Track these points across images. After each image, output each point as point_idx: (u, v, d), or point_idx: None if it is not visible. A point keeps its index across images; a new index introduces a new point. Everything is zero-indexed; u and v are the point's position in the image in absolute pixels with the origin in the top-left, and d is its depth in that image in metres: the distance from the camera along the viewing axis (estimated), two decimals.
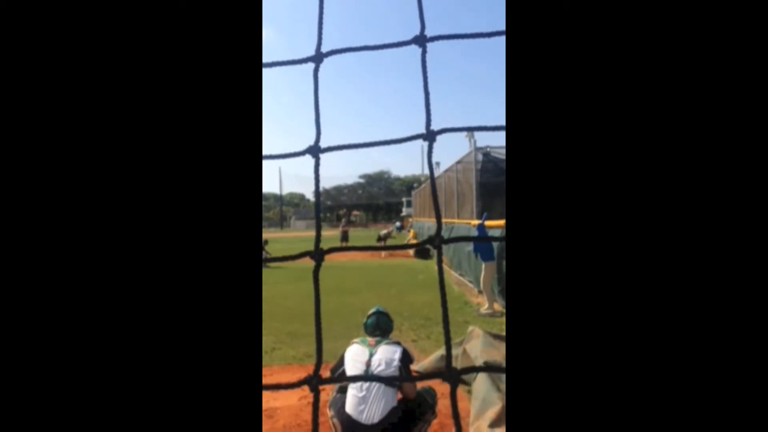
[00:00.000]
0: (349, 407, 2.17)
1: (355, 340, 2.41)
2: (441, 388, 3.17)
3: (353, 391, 2.19)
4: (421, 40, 0.74)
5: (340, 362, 2.34)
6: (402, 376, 2.23)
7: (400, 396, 2.24)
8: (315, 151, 0.78)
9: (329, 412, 2.34)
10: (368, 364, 2.22)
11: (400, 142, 0.79)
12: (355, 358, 2.28)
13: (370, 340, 2.35)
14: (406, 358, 2.27)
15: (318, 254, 0.72)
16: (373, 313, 2.52)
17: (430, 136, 0.74)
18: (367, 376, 2.18)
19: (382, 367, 2.19)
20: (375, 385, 2.16)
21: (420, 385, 2.43)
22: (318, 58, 0.77)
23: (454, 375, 0.65)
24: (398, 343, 2.34)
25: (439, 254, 0.72)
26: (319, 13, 0.79)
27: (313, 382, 0.69)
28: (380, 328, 2.44)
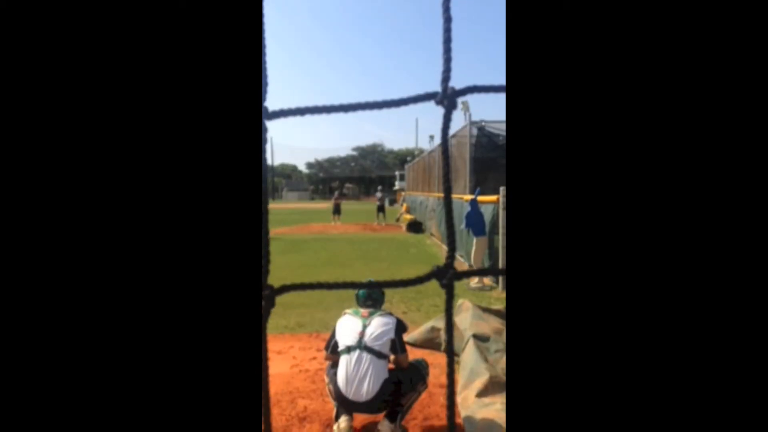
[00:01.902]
0: (341, 383, 2.16)
1: (347, 311, 2.38)
2: (430, 358, 3.24)
3: (344, 367, 2.16)
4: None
5: (333, 334, 2.31)
6: (396, 348, 2.21)
7: (391, 366, 2.26)
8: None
9: (326, 379, 2.37)
10: (362, 335, 2.19)
11: (403, 104, 0.55)
12: (347, 328, 2.25)
13: (363, 311, 2.32)
14: (400, 329, 2.26)
15: (269, 296, 0.49)
16: (365, 283, 2.47)
17: (448, 98, 0.48)
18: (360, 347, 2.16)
19: (375, 339, 2.17)
20: (366, 360, 2.14)
21: (412, 356, 2.45)
22: None
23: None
24: (391, 314, 2.32)
25: (450, 295, 0.51)
26: None
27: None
28: (372, 299, 2.40)
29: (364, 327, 2.22)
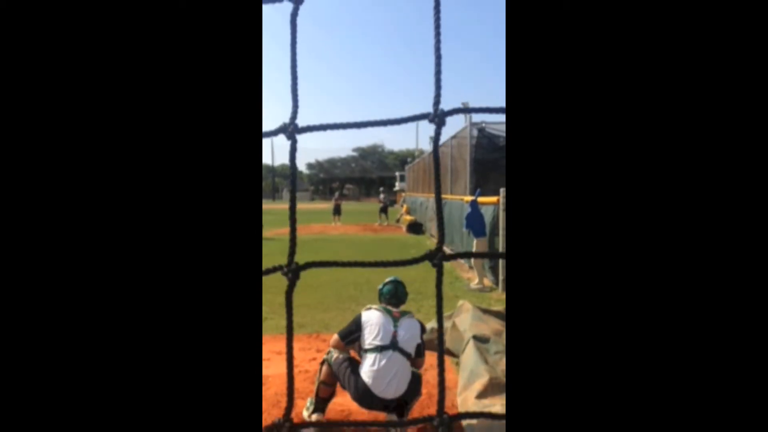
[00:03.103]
0: (369, 379, 2.16)
1: (374, 306, 2.35)
2: (431, 359, 3.24)
3: (374, 364, 2.16)
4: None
5: (356, 326, 2.28)
6: (420, 352, 2.29)
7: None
8: (291, 131, 0.63)
9: (324, 369, 2.35)
10: (395, 335, 2.21)
11: (402, 122, 0.66)
12: (379, 327, 2.23)
13: (394, 310, 2.31)
14: (422, 333, 2.33)
15: (292, 271, 0.59)
16: (391, 282, 2.42)
17: (438, 117, 0.61)
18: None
19: (407, 341, 2.21)
20: (398, 360, 2.17)
21: None
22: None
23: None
24: (413, 316, 2.37)
25: (440, 273, 0.63)
26: None
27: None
28: (397, 297, 2.37)
29: (396, 328, 2.24)
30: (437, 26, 0.61)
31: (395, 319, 2.26)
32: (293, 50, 0.64)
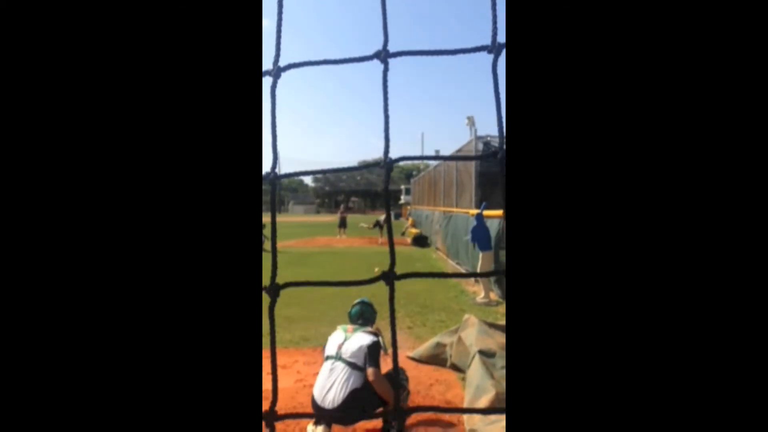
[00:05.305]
0: (315, 390, 2.30)
1: (339, 326, 2.53)
2: (436, 374, 3.21)
3: (322, 375, 2.32)
4: (383, 56, 0.71)
5: (324, 348, 2.48)
6: (365, 361, 2.28)
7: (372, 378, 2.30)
8: (273, 178, 0.71)
9: None
10: (340, 347, 2.34)
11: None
12: (332, 342, 2.41)
13: (349, 326, 2.48)
14: (375, 347, 2.33)
15: (273, 289, 0.67)
16: (358, 303, 2.62)
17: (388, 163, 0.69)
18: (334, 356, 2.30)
19: (352, 351, 2.30)
20: (339, 370, 2.26)
21: (417, 372, 2.48)
22: (276, 73, 0.70)
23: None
24: (375, 333, 2.41)
25: (392, 290, 0.71)
26: (278, 26, 0.71)
27: (269, 419, 0.66)
28: (363, 317, 2.55)
29: (345, 340, 2.38)
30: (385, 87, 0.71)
31: (347, 333, 2.42)
32: (273, 120, 0.73)
